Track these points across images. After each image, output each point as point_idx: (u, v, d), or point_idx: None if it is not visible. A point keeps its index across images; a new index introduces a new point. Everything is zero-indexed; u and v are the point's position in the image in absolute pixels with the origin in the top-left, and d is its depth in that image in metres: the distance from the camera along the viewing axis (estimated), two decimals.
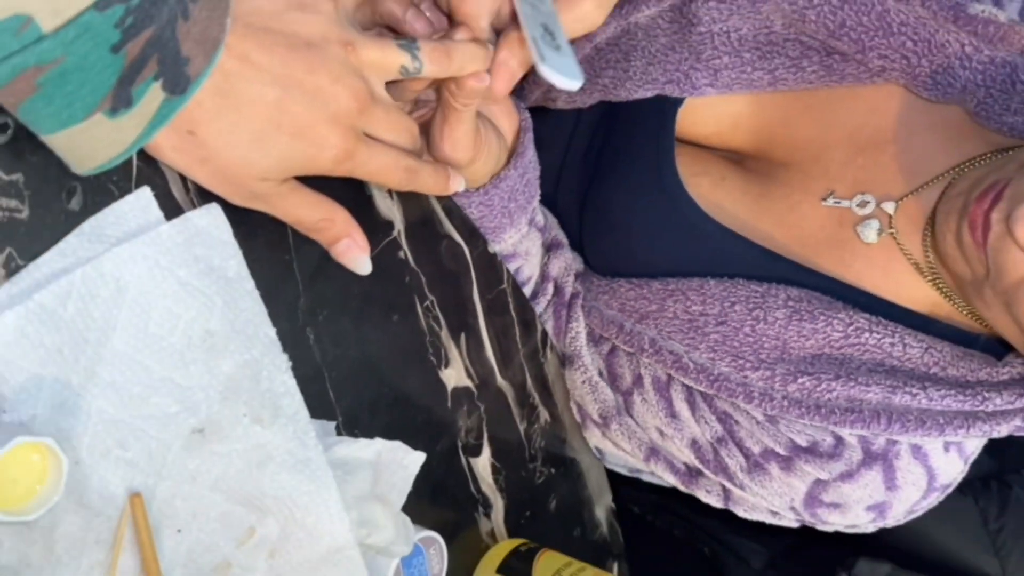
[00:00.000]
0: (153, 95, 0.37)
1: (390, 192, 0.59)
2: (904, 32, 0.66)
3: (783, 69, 0.70)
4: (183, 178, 0.46)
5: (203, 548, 0.47)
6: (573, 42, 0.51)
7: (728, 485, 0.73)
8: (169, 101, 0.38)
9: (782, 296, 0.69)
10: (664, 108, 0.74)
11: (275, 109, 0.43)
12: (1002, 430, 0.64)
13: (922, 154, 0.67)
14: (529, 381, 0.73)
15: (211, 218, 0.46)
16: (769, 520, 0.75)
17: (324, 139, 0.45)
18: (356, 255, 0.51)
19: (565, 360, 0.77)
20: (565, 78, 0.48)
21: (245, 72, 0.42)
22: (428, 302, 0.62)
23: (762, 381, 0.68)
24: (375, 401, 0.58)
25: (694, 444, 0.73)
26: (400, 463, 0.56)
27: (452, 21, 0.52)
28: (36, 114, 0.35)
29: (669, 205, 0.73)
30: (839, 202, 0.69)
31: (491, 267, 0.68)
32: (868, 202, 0.68)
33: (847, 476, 0.68)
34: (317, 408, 0.53)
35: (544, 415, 0.75)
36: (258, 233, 0.49)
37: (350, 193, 0.54)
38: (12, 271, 0.40)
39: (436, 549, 0.61)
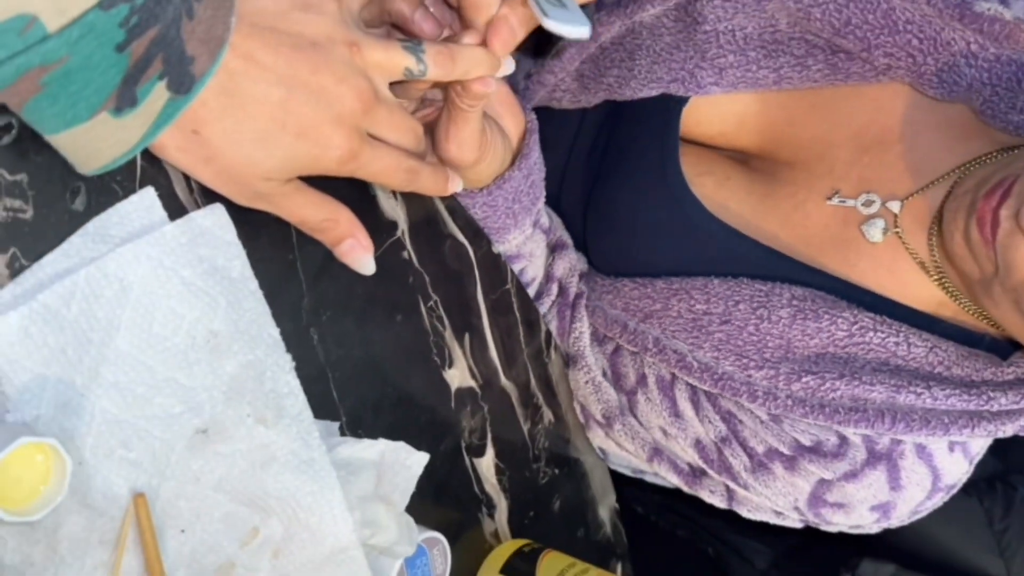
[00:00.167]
0: (158, 94, 0.37)
1: (394, 192, 0.59)
2: (910, 30, 0.65)
3: (788, 68, 0.70)
4: (187, 178, 0.46)
5: (207, 548, 0.47)
6: None
7: (732, 485, 0.73)
8: (174, 100, 0.38)
9: (786, 295, 0.68)
10: (669, 107, 0.74)
11: (280, 109, 0.43)
12: (1007, 430, 0.64)
13: (928, 153, 0.67)
14: (533, 381, 0.73)
15: (215, 218, 0.46)
16: (773, 520, 0.75)
17: (328, 139, 0.45)
18: (360, 255, 0.51)
19: (569, 360, 0.77)
20: (572, 27, 0.47)
21: (250, 71, 0.42)
22: (432, 302, 0.62)
23: (766, 380, 0.68)
24: (379, 401, 0.58)
25: (698, 444, 0.72)
26: (404, 463, 0.56)
27: (462, 19, 0.51)
28: (40, 114, 0.35)
29: (673, 204, 0.72)
30: (844, 201, 0.69)
31: (495, 267, 0.68)
32: (873, 201, 0.68)
33: (851, 476, 0.68)
34: (321, 408, 0.52)
35: (548, 415, 0.75)
36: (262, 233, 0.49)
37: (354, 193, 0.54)
38: (16, 271, 0.40)
39: (440, 550, 0.61)
